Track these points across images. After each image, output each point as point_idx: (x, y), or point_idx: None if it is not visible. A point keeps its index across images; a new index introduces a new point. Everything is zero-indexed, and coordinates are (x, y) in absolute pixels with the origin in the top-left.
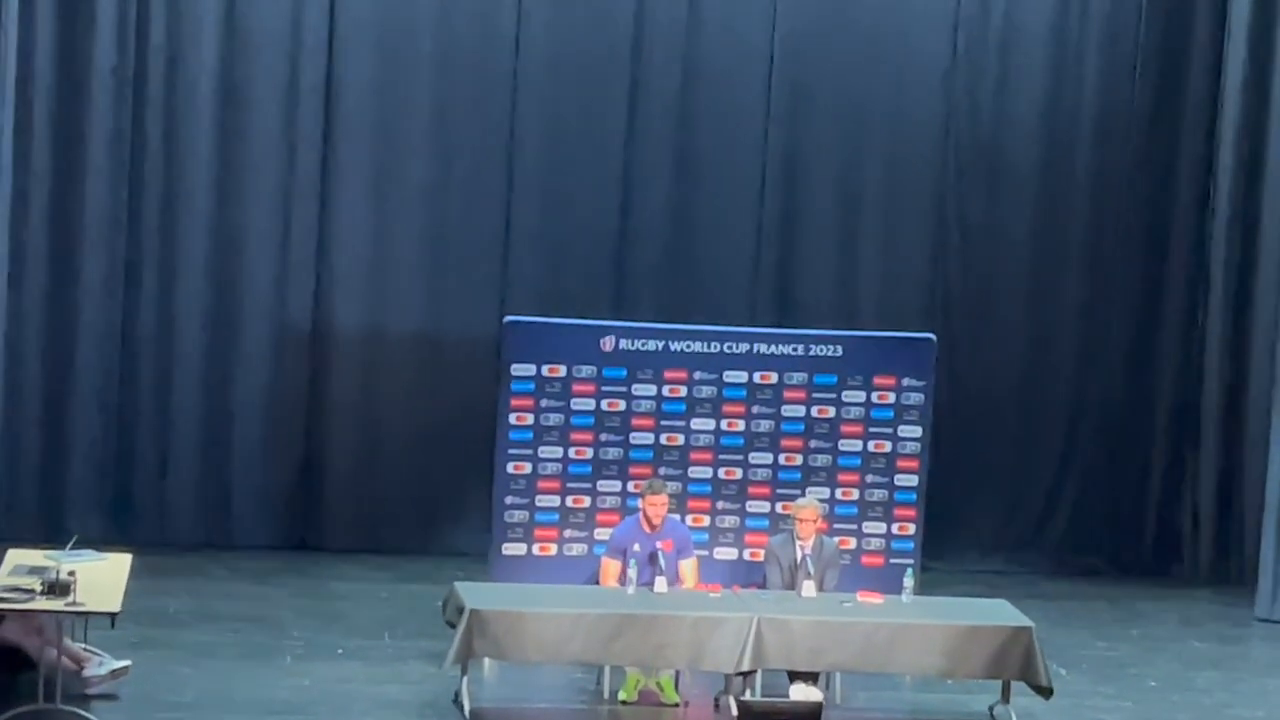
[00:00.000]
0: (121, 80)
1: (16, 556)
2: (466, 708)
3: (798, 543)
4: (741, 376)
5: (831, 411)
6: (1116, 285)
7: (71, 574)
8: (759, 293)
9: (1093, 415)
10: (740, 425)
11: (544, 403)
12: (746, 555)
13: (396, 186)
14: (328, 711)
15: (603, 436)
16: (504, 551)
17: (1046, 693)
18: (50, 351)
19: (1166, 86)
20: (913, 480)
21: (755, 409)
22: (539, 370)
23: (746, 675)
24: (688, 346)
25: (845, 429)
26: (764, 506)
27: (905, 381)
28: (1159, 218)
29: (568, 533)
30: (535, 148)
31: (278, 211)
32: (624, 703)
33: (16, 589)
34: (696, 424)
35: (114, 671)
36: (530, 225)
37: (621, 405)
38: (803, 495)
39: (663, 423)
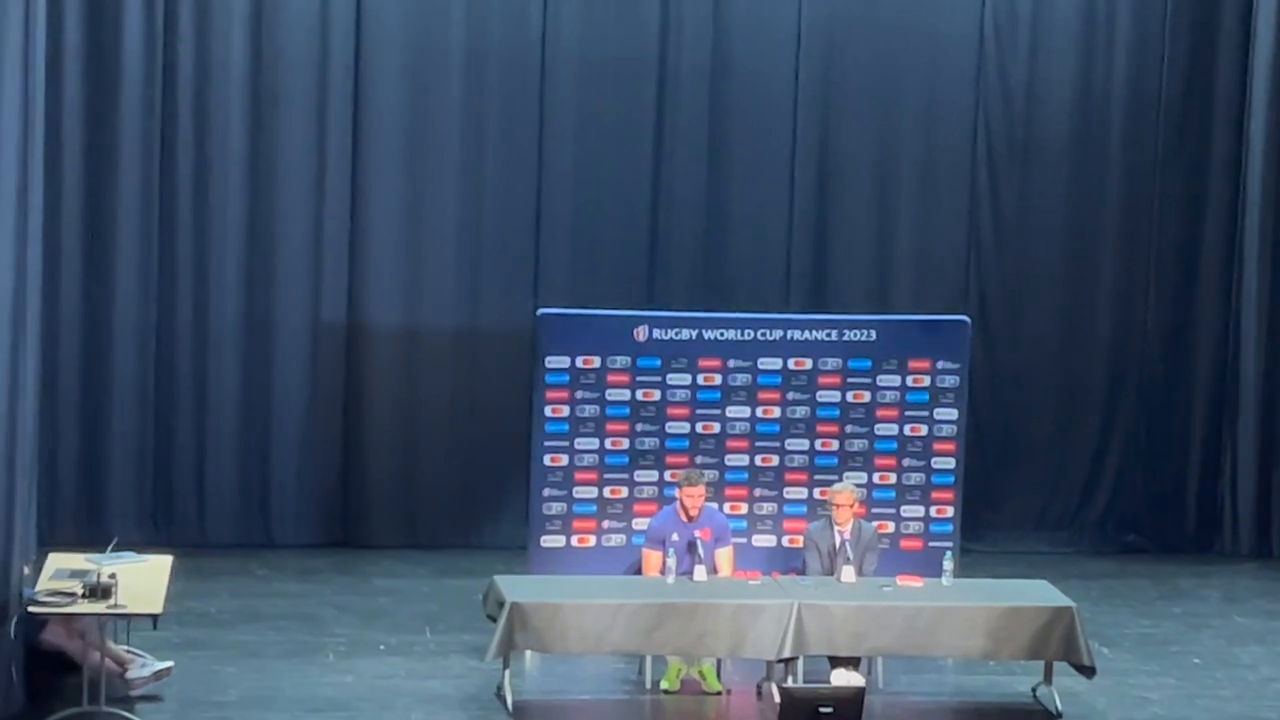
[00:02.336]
0: (151, 89)
1: (57, 560)
2: (509, 700)
3: (835, 528)
4: (776, 363)
5: (867, 396)
6: (1151, 262)
7: (112, 576)
8: (792, 279)
9: (1130, 394)
10: (776, 412)
11: (579, 394)
12: (785, 542)
13: (428, 183)
14: (371, 708)
15: (639, 426)
16: (543, 544)
17: (1089, 672)
18: (87, 355)
19: (1197, 63)
20: (950, 463)
21: (790, 395)
22: (573, 362)
23: (788, 662)
24: (721, 335)
25: (881, 413)
26: (801, 493)
27: (940, 364)
28: (1192, 195)
29: (606, 523)
30: (566, 140)
31: (311, 210)
32: (666, 692)
33: (58, 593)
34: (732, 412)
35: (157, 673)
36: (562, 218)
37: (656, 395)
38: (839, 480)
39: (698, 411)
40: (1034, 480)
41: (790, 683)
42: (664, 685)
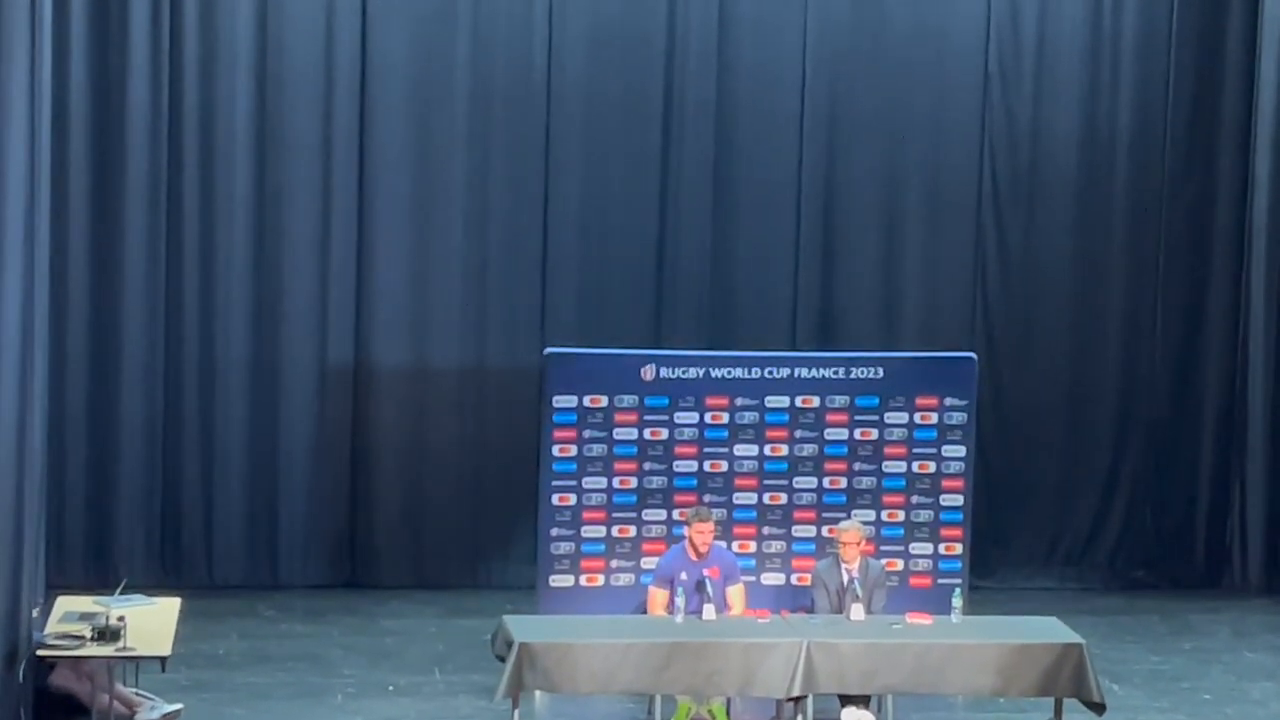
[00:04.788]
0: (157, 131)
1: (66, 603)
2: None
3: (843, 566)
4: (783, 401)
5: (874, 433)
6: (1157, 297)
7: (121, 619)
8: (799, 317)
9: (1138, 429)
10: (784, 450)
11: (587, 433)
12: (794, 580)
13: (434, 222)
14: None
15: (646, 465)
16: (551, 583)
17: (1100, 709)
18: (94, 397)
19: (1201, 98)
20: (958, 500)
21: (798, 433)
22: (581, 401)
23: (798, 700)
24: (728, 373)
25: (889, 450)
26: (810, 531)
27: (948, 401)
28: (1198, 230)
29: (614, 563)
30: (571, 179)
31: (317, 251)
32: None
33: (67, 635)
34: (740, 450)
35: (166, 715)
36: (568, 256)
37: (664, 434)
38: (847, 518)
39: (706, 450)
40: (1042, 517)
41: None
42: None
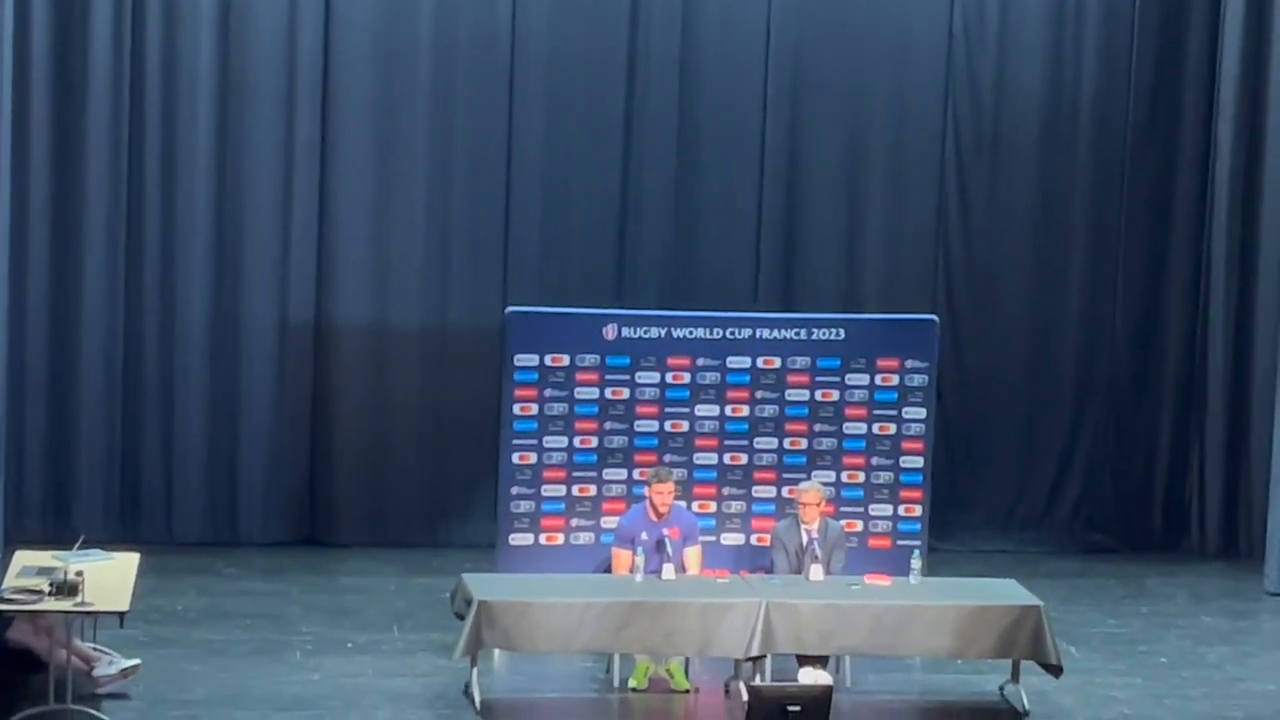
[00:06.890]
0: (119, 85)
1: (24, 558)
2: (477, 699)
3: (802, 527)
4: (745, 362)
5: (835, 395)
6: (1119, 262)
7: (79, 574)
8: (761, 278)
9: (1098, 393)
10: (744, 411)
11: (548, 392)
12: (753, 540)
13: (397, 180)
14: (339, 706)
15: (607, 425)
16: (511, 542)
17: (1057, 671)
18: (55, 353)
19: (1165, 61)
20: (918, 462)
21: (759, 394)
22: (542, 360)
23: (756, 660)
24: (690, 333)
25: (849, 412)
26: (770, 491)
27: (909, 363)
28: (1160, 193)
29: (574, 522)
30: (534, 138)
31: (278, 208)
32: (634, 690)
33: (25, 590)
34: (701, 410)
35: (124, 670)
36: (531, 216)
37: (625, 393)
38: (807, 479)
39: (667, 410)
40: (1002, 479)
41: (758, 681)
42: (632, 684)
